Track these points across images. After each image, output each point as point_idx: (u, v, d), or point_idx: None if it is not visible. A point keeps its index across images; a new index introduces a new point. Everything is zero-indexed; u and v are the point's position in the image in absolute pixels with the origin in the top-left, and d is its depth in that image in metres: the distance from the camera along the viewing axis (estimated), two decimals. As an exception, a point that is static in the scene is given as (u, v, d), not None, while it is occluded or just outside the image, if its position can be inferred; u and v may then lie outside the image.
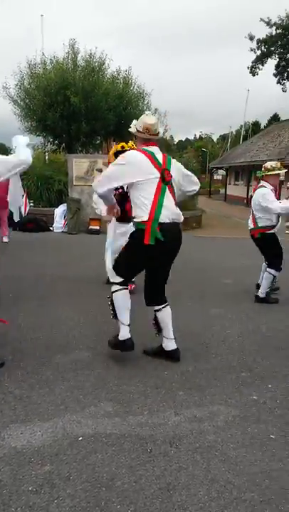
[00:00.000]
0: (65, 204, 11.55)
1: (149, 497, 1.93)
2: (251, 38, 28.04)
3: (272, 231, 5.07)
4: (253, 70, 29.43)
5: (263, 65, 29.08)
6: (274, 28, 26.92)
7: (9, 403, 2.66)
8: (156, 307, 3.36)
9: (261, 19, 26.77)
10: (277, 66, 28.91)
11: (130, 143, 4.73)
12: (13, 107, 15.68)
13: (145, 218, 3.06)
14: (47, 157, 15.53)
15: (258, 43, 28.00)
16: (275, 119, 42.48)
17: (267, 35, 27.48)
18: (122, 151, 4.36)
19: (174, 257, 3.29)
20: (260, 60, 28.74)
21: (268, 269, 5.12)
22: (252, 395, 2.87)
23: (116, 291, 3.26)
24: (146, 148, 3.18)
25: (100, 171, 5.51)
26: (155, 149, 3.19)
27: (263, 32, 28.33)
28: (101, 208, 5.20)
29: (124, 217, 4.16)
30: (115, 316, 3.29)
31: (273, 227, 5.04)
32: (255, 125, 46.74)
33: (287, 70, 28.97)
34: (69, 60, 15.37)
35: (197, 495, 1.95)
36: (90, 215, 10.87)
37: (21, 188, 4.18)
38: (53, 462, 2.14)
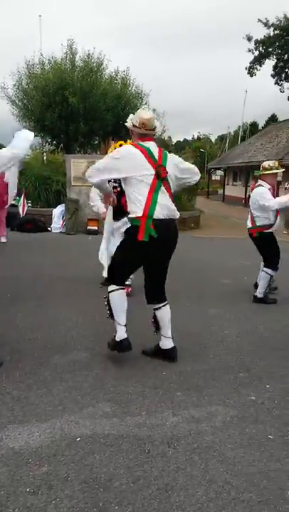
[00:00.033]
0: (63, 204, 11.54)
1: (147, 498, 1.92)
2: (249, 39, 28.15)
3: (270, 230, 5.09)
4: (250, 71, 29.53)
5: (260, 66, 29.19)
6: (272, 29, 27.00)
7: (7, 404, 2.66)
8: (156, 305, 3.35)
9: (259, 20, 26.88)
10: (275, 67, 29.02)
11: (129, 142, 4.73)
12: (11, 107, 15.68)
13: (139, 214, 3.05)
14: (45, 157, 15.50)
15: (255, 44, 28.10)
16: (272, 119, 42.55)
17: (265, 36, 27.57)
18: None
19: (170, 254, 3.27)
20: (258, 60, 28.84)
21: (264, 269, 5.14)
22: (250, 396, 2.88)
23: (112, 291, 3.25)
24: (142, 143, 3.14)
25: None
26: (151, 145, 3.16)
27: (261, 33, 28.38)
28: (98, 205, 5.19)
29: (120, 211, 4.17)
30: (112, 316, 3.29)
31: (271, 225, 5.06)
32: (253, 126, 46.82)
33: (285, 71, 29.07)
34: (67, 60, 15.38)
35: (195, 495, 1.95)
36: (88, 215, 10.86)
37: (15, 183, 4.17)
38: (50, 463, 2.13)
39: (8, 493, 1.93)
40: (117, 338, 3.24)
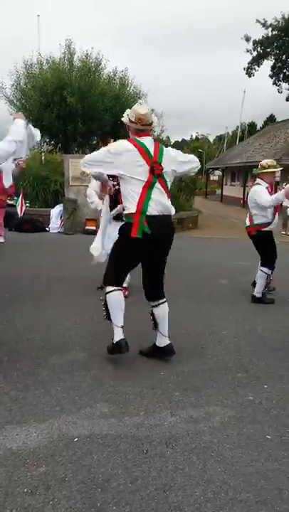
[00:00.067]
0: (62, 204, 11.52)
1: (145, 498, 1.92)
2: (247, 39, 28.18)
3: (267, 228, 5.11)
4: (249, 71, 29.56)
5: (259, 67, 29.22)
6: (270, 29, 27.04)
7: (5, 404, 2.65)
8: (153, 303, 3.35)
9: (257, 20, 26.91)
10: (273, 67, 29.06)
11: None
12: (9, 107, 15.63)
13: (133, 211, 3.04)
14: (43, 157, 15.48)
15: (254, 44, 28.13)
16: (271, 120, 42.60)
17: (263, 37, 27.60)
18: None
19: (166, 251, 3.25)
20: (257, 61, 28.87)
21: (261, 268, 5.17)
22: (248, 396, 2.88)
23: (110, 292, 3.23)
24: (138, 139, 3.11)
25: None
26: (148, 140, 3.13)
27: (259, 33, 28.46)
28: (96, 202, 5.14)
29: (115, 205, 4.17)
30: (109, 317, 3.27)
31: (269, 224, 5.08)
32: (251, 126, 46.85)
33: (283, 72, 29.11)
34: (65, 60, 15.35)
35: (193, 495, 1.95)
36: (87, 215, 10.85)
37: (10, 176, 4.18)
38: (48, 463, 2.13)
39: (6, 493, 1.92)
40: (115, 340, 3.23)
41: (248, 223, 5.26)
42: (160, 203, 3.08)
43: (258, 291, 5.19)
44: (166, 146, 3.40)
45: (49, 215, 11.67)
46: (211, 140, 62.19)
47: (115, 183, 4.23)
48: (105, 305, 3.28)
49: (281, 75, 29.24)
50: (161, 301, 3.34)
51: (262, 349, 3.72)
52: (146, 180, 3.04)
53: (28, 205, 11.74)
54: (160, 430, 2.44)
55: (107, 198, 4.48)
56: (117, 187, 4.26)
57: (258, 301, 5.14)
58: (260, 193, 4.98)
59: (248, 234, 5.29)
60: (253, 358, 3.50)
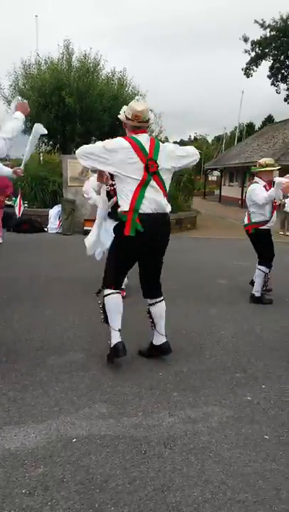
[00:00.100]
0: (60, 205, 11.52)
1: (144, 498, 1.92)
2: (246, 40, 28.20)
3: (265, 227, 5.12)
4: (247, 72, 29.58)
5: (257, 67, 29.24)
6: (268, 30, 27.07)
7: (3, 405, 2.65)
8: (150, 301, 3.34)
9: (255, 21, 26.93)
10: (271, 68, 29.08)
11: None
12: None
13: (126, 209, 3.03)
14: (41, 158, 15.48)
15: (252, 45, 28.15)
16: (269, 120, 42.67)
17: (261, 37, 27.62)
18: None
19: (161, 249, 3.22)
20: (255, 61, 28.89)
21: (259, 267, 5.19)
22: (246, 396, 2.88)
23: (108, 295, 3.21)
24: (134, 136, 3.07)
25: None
26: (144, 138, 3.07)
27: (257, 34, 28.45)
28: (94, 198, 5.10)
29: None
30: (106, 320, 3.25)
31: (267, 222, 5.09)
32: (250, 126, 46.89)
33: (281, 72, 29.14)
34: (64, 60, 15.36)
35: (191, 496, 1.95)
36: (85, 215, 10.85)
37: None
38: (46, 464, 2.13)
39: (4, 494, 1.92)
40: (112, 343, 3.19)
41: (246, 221, 5.30)
42: (154, 201, 3.05)
43: (256, 290, 5.21)
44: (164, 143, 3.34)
45: (47, 215, 11.67)
46: (210, 140, 62.21)
47: (114, 182, 4.23)
48: (103, 308, 3.25)
49: (279, 76, 29.27)
50: (158, 300, 3.33)
51: (260, 349, 3.72)
52: (140, 178, 3.00)
53: (26, 205, 11.72)
54: (158, 431, 2.45)
55: (104, 192, 4.43)
56: (114, 186, 4.26)
57: (257, 301, 5.15)
58: (256, 190, 5.02)
59: (246, 232, 5.31)
60: (251, 358, 3.51)
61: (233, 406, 2.75)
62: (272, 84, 29.74)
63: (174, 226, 12.34)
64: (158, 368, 3.24)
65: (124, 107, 3.21)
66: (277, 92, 30.00)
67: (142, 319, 3.57)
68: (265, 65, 29.08)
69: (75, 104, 14.13)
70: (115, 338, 3.18)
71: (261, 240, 5.19)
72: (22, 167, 4.93)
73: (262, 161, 5.22)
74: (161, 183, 3.10)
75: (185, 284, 5.98)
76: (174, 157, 3.19)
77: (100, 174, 3.59)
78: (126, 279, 4.23)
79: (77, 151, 3.15)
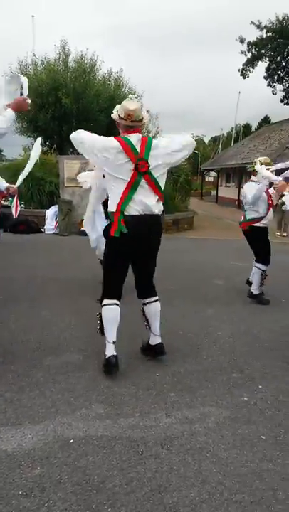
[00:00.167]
0: (57, 205, 11.49)
1: (140, 499, 1.92)
2: (242, 41, 28.27)
3: (260, 224, 5.14)
4: (243, 73, 29.66)
5: (253, 68, 29.33)
6: (264, 31, 27.15)
7: (-1, 406, 2.64)
8: (144, 300, 3.33)
9: (252, 22, 27.02)
10: (267, 69, 29.18)
11: None
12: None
13: (113, 209, 3.00)
14: (38, 158, 15.46)
15: (248, 46, 28.23)
16: (265, 121, 42.81)
17: (257, 38, 27.70)
18: None
19: (148, 251, 3.16)
20: (251, 62, 28.97)
21: (256, 264, 5.21)
22: (243, 396, 2.89)
23: (106, 305, 3.13)
24: (125, 136, 3.01)
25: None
26: (135, 137, 2.98)
27: (253, 35, 28.54)
28: (88, 181, 5.07)
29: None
30: (101, 331, 3.20)
31: (261, 218, 5.11)
32: (246, 127, 47.02)
33: (278, 73, 29.24)
34: (60, 61, 15.36)
35: (188, 496, 1.95)
36: (82, 216, 10.81)
37: None
38: (43, 465, 2.12)
39: (1, 495, 1.92)
40: (106, 355, 3.10)
41: (241, 219, 5.35)
42: (142, 202, 2.97)
43: (254, 288, 5.23)
44: None
45: (44, 216, 11.64)
46: (206, 141, 62.30)
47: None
48: (100, 318, 3.20)
49: (275, 77, 29.37)
50: (152, 300, 3.31)
51: (257, 349, 3.73)
52: (128, 179, 2.95)
53: (23, 206, 11.67)
54: (155, 431, 2.44)
55: (99, 181, 4.35)
56: None
57: (255, 298, 5.19)
58: (250, 188, 5.07)
59: (242, 230, 5.34)
60: (248, 359, 3.51)
61: (230, 406, 2.75)
62: (269, 85, 29.85)
63: (171, 227, 12.38)
64: (155, 369, 3.24)
65: (118, 106, 3.17)
66: (274, 93, 30.11)
67: (137, 319, 3.56)
68: (262, 66, 29.21)
69: (72, 104, 14.13)
70: (109, 350, 3.09)
71: (257, 238, 5.21)
72: (16, 186, 4.97)
73: (261, 158, 5.26)
74: (153, 183, 3.01)
75: (182, 284, 5.98)
76: (169, 153, 3.10)
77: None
78: None
79: (74, 135, 3.11)
